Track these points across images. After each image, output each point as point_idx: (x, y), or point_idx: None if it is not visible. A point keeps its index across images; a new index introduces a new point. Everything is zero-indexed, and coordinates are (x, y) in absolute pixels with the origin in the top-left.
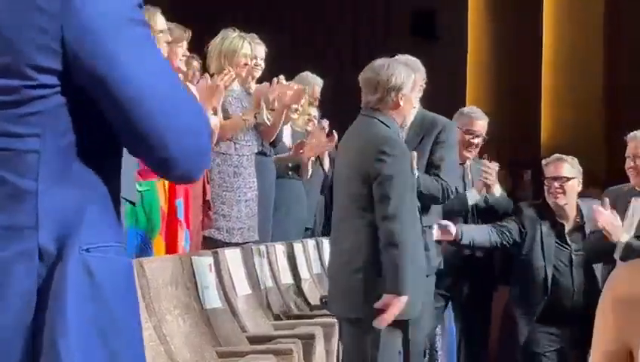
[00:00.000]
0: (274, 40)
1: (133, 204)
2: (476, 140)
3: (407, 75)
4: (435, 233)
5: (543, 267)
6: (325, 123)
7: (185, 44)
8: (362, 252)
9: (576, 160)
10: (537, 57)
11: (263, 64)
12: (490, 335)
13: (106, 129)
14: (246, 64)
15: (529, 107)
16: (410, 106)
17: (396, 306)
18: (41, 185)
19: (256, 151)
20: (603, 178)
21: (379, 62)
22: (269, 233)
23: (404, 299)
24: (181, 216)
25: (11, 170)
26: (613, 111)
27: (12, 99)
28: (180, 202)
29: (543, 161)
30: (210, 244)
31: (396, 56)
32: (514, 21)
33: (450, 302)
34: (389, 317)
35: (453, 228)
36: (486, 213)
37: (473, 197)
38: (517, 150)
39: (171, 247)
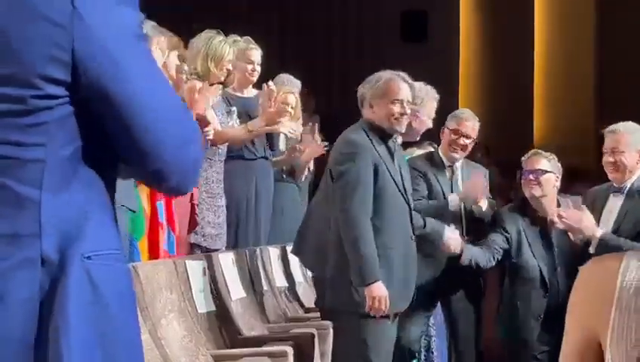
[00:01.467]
0: (260, 42)
1: (134, 211)
2: (462, 140)
3: (376, 79)
4: (454, 239)
5: (537, 265)
6: (316, 118)
7: (176, 52)
8: (332, 247)
9: (554, 157)
10: (529, 58)
11: (259, 69)
12: (483, 335)
13: (106, 138)
14: (229, 69)
15: (521, 108)
16: (385, 110)
17: (371, 297)
18: (45, 193)
19: (261, 155)
20: (595, 177)
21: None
22: (267, 236)
23: (375, 287)
24: (162, 218)
25: (15, 178)
26: (604, 111)
27: (19, 109)
28: (160, 204)
29: (523, 158)
30: (196, 251)
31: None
32: (506, 22)
33: (438, 302)
34: (373, 309)
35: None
36: (476, 221)
37: (454, 200)
38: (509, 151)
39: (153, 251)
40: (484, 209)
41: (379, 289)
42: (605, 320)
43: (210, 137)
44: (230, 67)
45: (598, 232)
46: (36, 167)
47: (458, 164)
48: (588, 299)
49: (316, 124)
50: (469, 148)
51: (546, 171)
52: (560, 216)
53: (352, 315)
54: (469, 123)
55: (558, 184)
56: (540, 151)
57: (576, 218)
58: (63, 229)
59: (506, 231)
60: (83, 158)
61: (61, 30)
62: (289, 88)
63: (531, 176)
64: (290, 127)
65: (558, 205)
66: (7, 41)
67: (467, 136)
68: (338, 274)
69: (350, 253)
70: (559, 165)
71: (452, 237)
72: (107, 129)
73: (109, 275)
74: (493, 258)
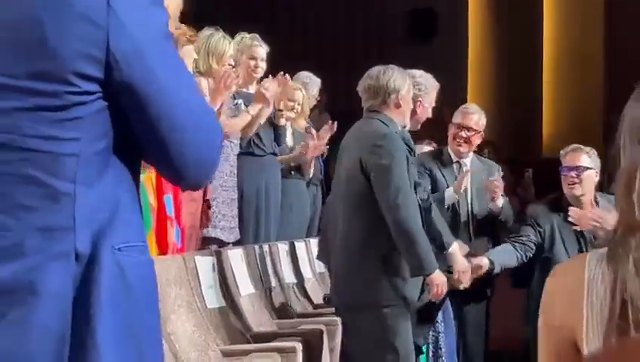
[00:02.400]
0: (266, 40)
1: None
2: (464, 133)
3: (402, 78)
4: (464, 273)
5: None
6: (326, 116)
7: (192, 46)
8: (373, 244)
9: (594, 151)
10: (538, 55)
11: (264, 65)
12: (490, 333)
13: (132, 133)
14: (230, 64)
15: (530, 105)
16: (409, 107)
17: (435, 285)
18: (79, 187)
19: (269, 152)
20: (604, 177)
21: (375, 69)
22: (276, 232)
23: (436, 275)
24: (171, 212)
25: (50, 172)
26: (614, 110)
27: (54, 104)
28: (168, 198)
29: (562, 152)
30: (209, 244)
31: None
32: (514, 20)
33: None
34: (435, 295)
35: (483, 261)
36: (486, 223)
37: (451, 197)
38: (517, 149)
39: (162, 245)
40: (500, 205)
41: (439, 277)
42: (579, 316)
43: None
44: (232, 62)
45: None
46: (70, 161)
47: (467, 160)
48: (559, 299)
49: (334, 123)
50: (475, 142)
51: (587, 168)
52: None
53: (374, 310)
54: (473, 116)
55: (598, 178)
56: (580, 146)
57: (599, 214)
58: (96, 223)
59: (539, 226)
60: (116, 152)
61: (97, 28)
62: (296, 85)
63: (572, 173)
64: (272, 85)
65: (596, 203)
66: (44, 37)
67: (470, 129)
68: (356, 269)
69: (408, 246)
70: (598, 159)
71: (462, 270)
72: (134, 125)
73: (137, 267)
74: (525, 256)
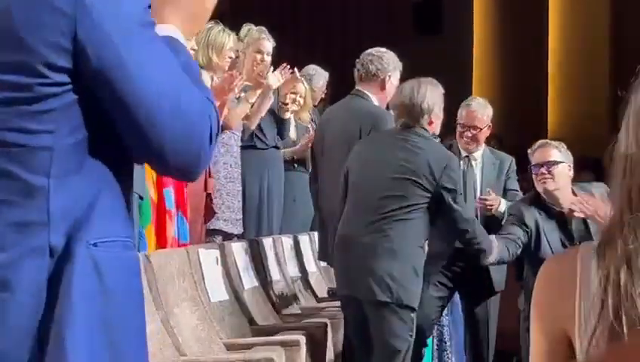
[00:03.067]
0: (272, 34)
1: (141, 198)
2: (469, 132)
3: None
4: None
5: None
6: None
7: (194, 38)
8: (409, 246)
9: (564, 145)
10: (543, 49)
11: (269, 59)
12: (498, 324)
13: (114, 126)
14: (231, 57)
15: (535, 99)
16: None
17: None
18: (53, 181)
19: (272, 145)
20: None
21: (408, 86)
22: (280, 225)
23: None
24: (171, 206)
25: (23, 166)
26: (619, 102)
27: (25, 96)
28: (168, 191)
29: (529, 150)
30: (212, 237)
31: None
32: (519, 13)
33: (456, 292)
34: None
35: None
36: (492, 222)
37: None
38: (523, 143)
39: (161, 239)
40: (502, 210)
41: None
42: (571, 309)
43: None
44: (232, 55)
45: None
46: (44, 155)
47: (477, 154)
48: (552, 296)
49: None
50: (482, 138)
51: (557, 162)
52: (578, 204)
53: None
54: (476, 114)
55: (572, 173)
56: (548, 141)
57: (591, 207)
58: (71, 217)
59: (526, 226)
60: (93, 145)
61: (65, 18)
62: (298, 77)
63: (542, 170)
64: (276, 77)
65: (574, 195)
66: (13, 28)
67: (475, 128)
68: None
69: (472, 240)
70: (569, 153)
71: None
72: (111, 115)
73: (115, 263)
74: (515, 252)
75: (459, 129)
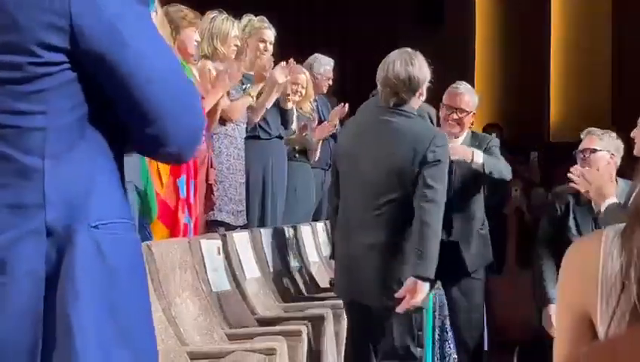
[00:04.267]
0: (275, 24)
1: (143, 191)
2: (455, 115)
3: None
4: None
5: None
6: (333, 101)
7: (197, 29)
8: (408, 241)
9: (611, 134)
10: (546, 40)
11: (271, 48)
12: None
13: (110, 106)
14: (237, 45)
15: (537, 90)
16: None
17: (420, 294)
18: (48, 162)
19: (275, 135)
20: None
21: (398, 59)
22: (281, 215)
23: (427, 285)
24: (184, 194)
25: (17, 148)
26: (622, 93)
27: (18, 76)
28: (182, 181)
29: (582, 134)
30: (215, 228)
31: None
32: (522, 4)
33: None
34: (410, 303)
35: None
36: (472, 188)
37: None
38: (525, 133)
39: (174, 229)
40: (480, 161)
41: (427, 288)
42: (594, 295)
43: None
44: (238, 43)
45: (610, 199)
46: (37, 136)
47: (460, 139)
48: (575, 279)
49: (346, 105)
50: (467, 123)
51: (595, 150)
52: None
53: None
54: (463, 97)
55: (616, 162)
56: (593, 129)
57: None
58: (68, 199)
59: (557, 205)
60: (88, 126)
61: None
62: (300, 67)
63: (582, 155)
64: (283, 72)
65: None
66: (5, 7)
67: (461, 110)
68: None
69: (431, 244)
70: (618, 142)
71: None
72: (108, 94)
73: (117, 244)
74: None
75: (444, 112)
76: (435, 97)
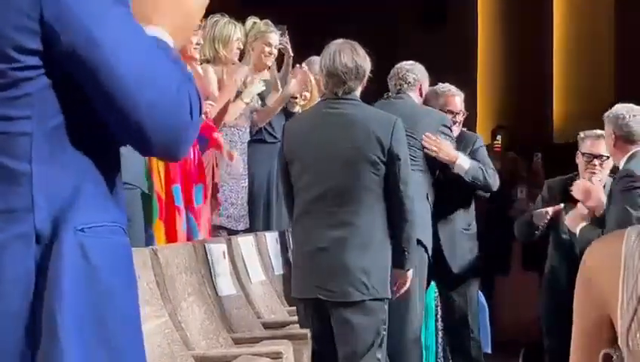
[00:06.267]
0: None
1: (147, 194)
2: (457, 118)
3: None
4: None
5: (569, 240)
6: None
7: (199, 32)
8: (383, 231)
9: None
10: (548, 39)
11: (276, 52)
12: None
13: (94, 108)
14: (239, 48)
15: (540, 90)
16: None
17: (406, 282)
18: (35, 166)
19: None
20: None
21: (345, 50)
22: (286, 219)
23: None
24: (179, 202)
25: (4, 153)
26: (625, 94)
27: (1, 82)
28: (176, 188)
29: (581, 134)
30: (217, 232)
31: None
32: (524, 6)
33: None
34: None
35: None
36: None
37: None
38: (528, 134)
39: (170, 235)
40: (466, 166)
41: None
42: (614, 293)
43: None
44: (241, 46)
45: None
46: (24, 140)
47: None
48: (596, 275)
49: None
50: (460, 122)
51: (608, 157)
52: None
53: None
54: (455, 99)
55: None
56: (600, 132)
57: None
58: (56, 202)
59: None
60: (74, 129)
61: None
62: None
63: (596, 162)
64: (299, 85)
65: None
66: None
67: (458, 113)
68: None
69: (408, 237)
70: None
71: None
72: (89, 95)
73: (103, 248)
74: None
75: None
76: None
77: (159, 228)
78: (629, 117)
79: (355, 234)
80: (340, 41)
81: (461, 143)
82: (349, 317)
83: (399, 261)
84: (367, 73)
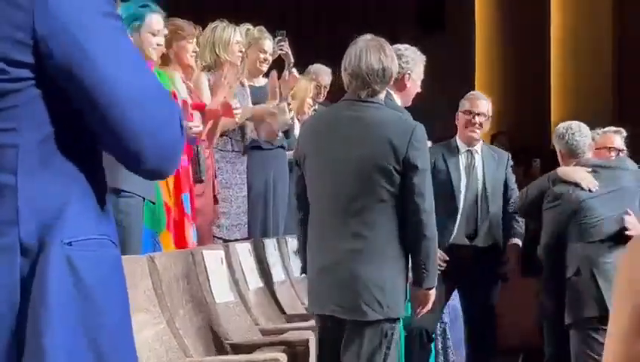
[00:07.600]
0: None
1: (153, 203)
2: (477, 119)
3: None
4: None
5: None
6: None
7: (195, 40)
8: (395, 247)
9: (623, 131)
10: (546, 44)
11: (270, 58)
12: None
13: (83, 121)
14: (241, 51)
15: (538, 95)
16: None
17: (429, 301)
18: (21, 179)
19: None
20: None
21: (372, 50)
22: (283, 225)
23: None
24: (188, 210)
25: None
26: (623, 99)
27: None
28: (186, 196)
29: (599, 130)
30: (217, 242)
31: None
32: (522, 8)
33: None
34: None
35: None
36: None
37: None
38: (526, 139)
39: (180, 243)
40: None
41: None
42: None
43: (238, 120)
44: (242, 48)
45: None
46: (10, 153)
47: (478, 147)
48: (635, 274)
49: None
50: (486, 127)
51: (620, 150)
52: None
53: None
54: (482, 102)
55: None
56: (619, 128)
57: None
58: (42, 215)
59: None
60: (60, 141)
61: (22, 11)
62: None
63: (612, 154)
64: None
65: None
66: None
67: (481, 115)
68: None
69: (427, 254)
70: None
71: None
72: (81, 109)
73: (91, 261)
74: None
75: (465, 117)
76: (438, 105)
77: (167, 238)
78: (569, 135)
79: (369, 248)
80: (368, 37)
81: (494, 156)
82: (360, 334)
83: (418, 279)
84: (394, 75)
